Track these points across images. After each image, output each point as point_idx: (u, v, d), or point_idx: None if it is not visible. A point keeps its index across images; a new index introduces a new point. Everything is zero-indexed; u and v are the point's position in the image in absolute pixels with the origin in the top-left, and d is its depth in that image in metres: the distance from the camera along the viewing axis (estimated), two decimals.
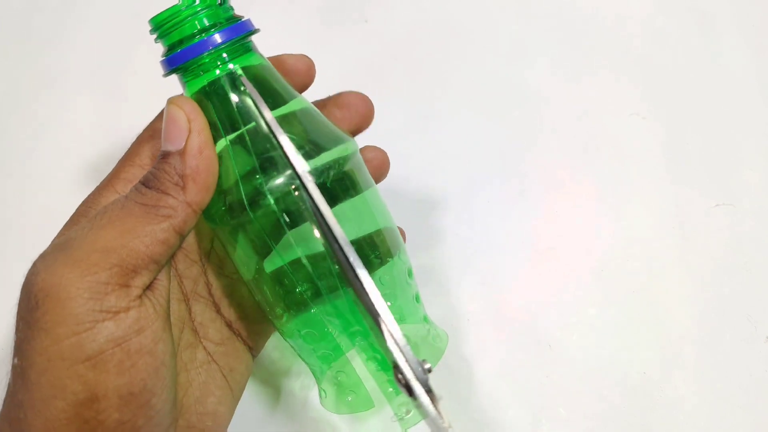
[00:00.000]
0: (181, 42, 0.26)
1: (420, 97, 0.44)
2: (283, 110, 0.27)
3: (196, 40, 0.26)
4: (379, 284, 0.25)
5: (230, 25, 0.27)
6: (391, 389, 0.27)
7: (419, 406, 0.24)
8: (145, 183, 0.25)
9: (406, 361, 0.24)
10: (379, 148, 0.33)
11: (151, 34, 0.27)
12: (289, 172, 0.26)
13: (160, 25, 0.26)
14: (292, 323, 0.28)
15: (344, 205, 0.27)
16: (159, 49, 0.27)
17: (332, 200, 0.26)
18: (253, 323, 0.31)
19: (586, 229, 0.39)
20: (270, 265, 0.27)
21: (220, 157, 0.27)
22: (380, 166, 0.33)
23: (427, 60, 0.45)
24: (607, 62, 0.44)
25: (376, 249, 0.28)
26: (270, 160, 0.26)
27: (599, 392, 0.35)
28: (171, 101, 0.26)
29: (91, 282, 0.22)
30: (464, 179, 0.41)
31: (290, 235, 0.26)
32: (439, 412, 0.24)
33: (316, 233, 0.26)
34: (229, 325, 0.30)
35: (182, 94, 0.27)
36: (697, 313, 0.37)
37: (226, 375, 0.29)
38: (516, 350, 0.36)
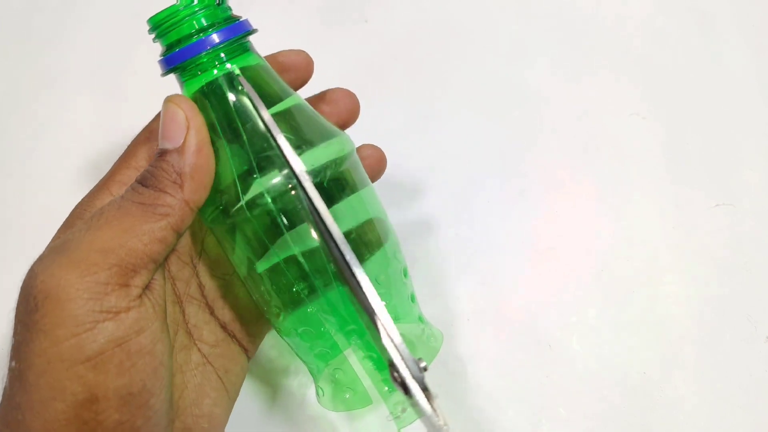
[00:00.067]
0: (179, 42, 0.26)
1: (420, 97, 0.44)
2: (281, 110, 0.27)
3: (194, 39, 0.26)
4: (375, 284, 0.25)
5: (228, 25, 0.27)
6: (386, 388, 0.27)
7: (415, 404, 0.24)
8: (142, 182, 0.25)
9: (402, 359, 0.24)
10: (376, 146, 0.33)
11: (150, 33, 0.27)
12: (286, 171, 0.26)
13: (159, 25, 0.26)
14: (289, 321, 0.28)
15: (340, 204, 0.27)
16: (159, 49, 0.27)
17: (329, 199, 0.26)
18: (247, 324, 0.31)
19: (586, 229, 0.39)
20: (267, 263, 0.27)
21: (217, 156, 0.27)
22: (377, 164, 0.33)
23: (427, 60, 0.45)
24: (607, 62, 0.44)
25: (366, 239, 0.28)
26: (267, 159, 0.26)
27: (599, 392, 0.35)
28: (169, 99, 0.26)
29: (91, 282, 0.22)
30: (464, 179, 0.41)
31: (287, 234, 0.26)
32: (434, 411, 0.24)
33: (313, 233, 0.26)
34: (223, 327, 0.30)
35: (180, 94, 0.27)
36: (697, 313, 0.37)
37: (221, 376, 0.29)
38: (516, 350, 0.36)
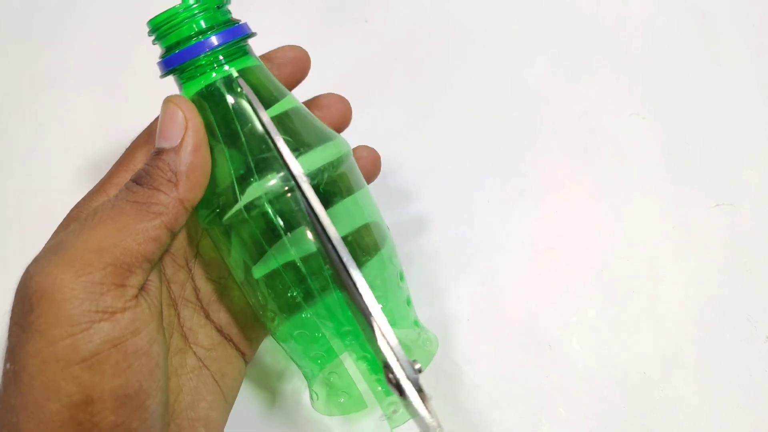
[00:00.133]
0: (178, 44, 0.26)
1: (420, 97, 0.44)
2: (279, 113, 0.27)
3: (193, 42, 0.26)
4: (371, 288, 0.25)
5: (227, 28, 0.27)
6: (380, 388, 0.27)
7: (409, 405, 0.24)
8: (137, 180, 0.25)
9: (398, 360, 0.24)
10: (371, 148, 0.33)
11: (149, 35, 0.27)
12: (284, 173, 0.26)
13: (158, 27, 0.27)
14: (284, 325, 0.28)
15: (337, 208, 0.28)
16: (159, 50, 0.27)
17: (326, 202, 0.26)
18: (244, 328, 0.31)
19: (586, 229, 0.39)
20: (263, 267, 0.27)
21: (215, 158, 0.27)
22: (372, 166, 0.33)
23: (427, 60, 0.45)
24: (607, 62, 0.44)
25: (363, 243, 0.28)
26: (266, 161, 0.26)
27: (599, 392, 0.35)
28: (169, 99, 0.26)
29: (86, 282, 0.22)
30: (464, 179, 0.41)
31: (283, 237, 0.26)
32: (429, 412, 0.24)
33: (310, 235, 0.26)
34: (219, 330, 0.30)
35: (179, 94, 0.27)
36: (697, 313, 0.37)
37: (217, 380, 0.29)
38: (516, 350, 0.36)
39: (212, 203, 0.27)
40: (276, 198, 0.26)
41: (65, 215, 0.28)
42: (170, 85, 0.28)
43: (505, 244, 0.39)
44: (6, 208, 0.42)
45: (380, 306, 0.25)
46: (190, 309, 0.30)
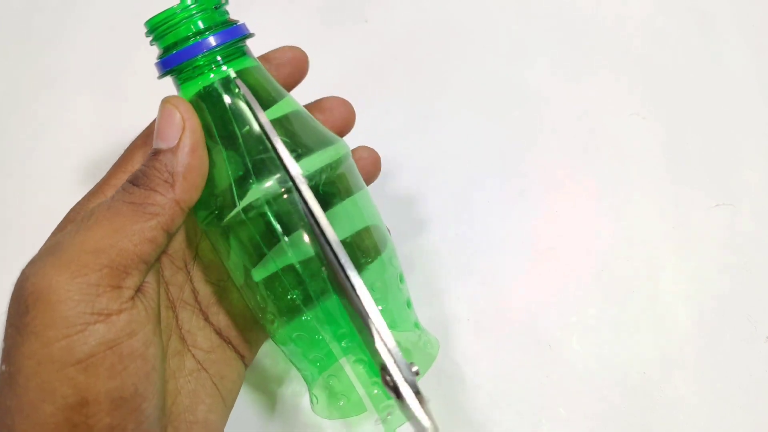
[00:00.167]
0: (175, 44, 0.26)
1: (420, 97, 0.44)
2: (277, 114, 0.27)
3: (191, 42, 0.26)
4: (371, 291, 0.25)
5: (225, 28, 0.27)
6: (376, 391, 0.27)
7: (406, 408, 0.24)
8: (134, 181, 0.25)
9: (395, 363, 0.24)
10: (371, 149, 0.33)
11: (147, 36, 0.27)
12: (283, 175, 0.26)
13: (156, 27, 0.26)
14: (284, 328, 0.28)
15: (337, 210, 0.27)
16: (158, 50, 0.27)
17: (324, 204, 0.26)
18: (243, 330, 0.31)
19: (586, 229, 0.39)
20: (262, 269, 0.27)
21: (213, 159, 0.27)
22: (372, 167, 0.33)
23: (427, 60, 0.45)
24: (607, 62, 0.44)
25: (363, 246, 0.28)
26: (264, 163, 0.26)
27: (599, 392, 0.35)
28: (166, 100, 0.26)
29: (82, 284, 0.22)
30: (464, 179, 0.41)
31: (282, 238, 0.26)
32: (426, 414, 0.24)
33: (308, 237, 0.26)
34: (218, 333, 0.30)
35: (177, 95, 0.27)
36: (697, 313, 0.37)
37: (216, 383, 0.29)
38: (516, 350, 0.36)
39: (210, 205, 0.27)
40: (274, 199, 0.26)
41: (64, 216, 0.28)
42: (170, 85, 0.28)
43: (505, 244, 0.39)
44: (6, 208, 0.42)
45: (379, 308, 0.25)
46: (189, 311, 0.29)
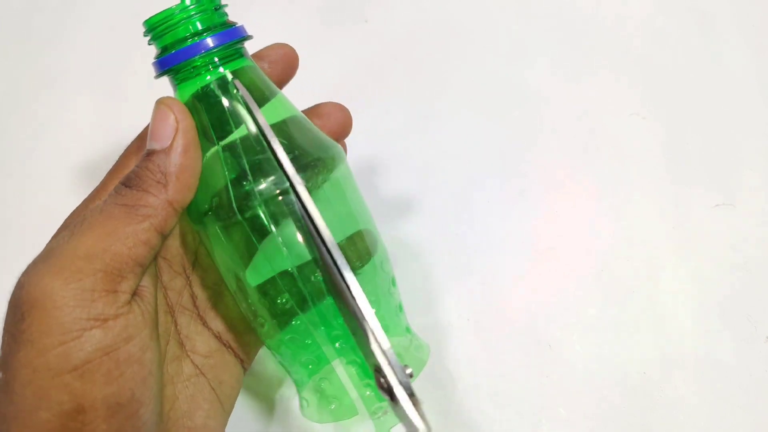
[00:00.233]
0: (173, 44, 0.26)
1: (420, 97, 0.44)
2: (275, 118, 0.27)
3: (189, 43, 0.26)
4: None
5: (224, 29, 0.27)
6: (369, 393, 0.27)
7: (400, 410, 0.24)
8: (126, 183, 0.25)
9: (389, 364, 0.24)
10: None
11: (145, 36, 0.27)
12: (279, 176, 0.26)
13: (154, 27, 0.26)
14: (276, 330, 0.28)
15: (330, 214, 0.27)
16: (156, 50, 0.27)
17: (319, 204, 0.26)
18: (241, 334, 0.31)
19: (586, 229, 0.39)
20: (254, 271, 0.27)
21: (210, 160, 0.27)
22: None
23: (427, 60, 0.45)
24: (607, 62, 0.44)
25: (355, 250, 0.28)
26: (261, 164, 0.26)
27: (599, 392, 0.35)
28: (160, 101, 0.26)
29: (77, 289, 0.22)
30: (464, 179, 0.41)
31: (276, 239, 0.26)
32: (420, 416, 0.24)
33: (303, 238, 0.26)
34: (217, 337, 0.30)
35: (171, 96, 0.27)
36: (697, 313, 0.37)
37: (215, 388, 0.29)
38: (516, 350, 0.36)
39: (206, 206, 0.27)
40: (270, 200, 0.26)
41: (68, 214, 0.28)
42: (169, 86, 0.28)
43: (505, 244, 0.39)
44: (6, 208, 0.42)
45: (373, 310, 0.25)
46: (187, 316, 0.29)
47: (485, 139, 0.42)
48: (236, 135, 0.27)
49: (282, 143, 0.26)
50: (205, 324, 0.30)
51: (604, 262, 0.38)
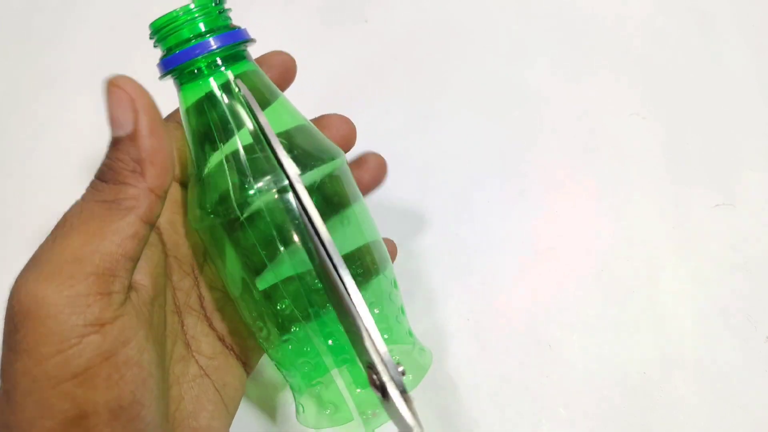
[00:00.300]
0: (177, 45, 0.27)
1: (420, 97, 0.44)
2: (277, 120, 0.28)
3: (192, 43, 0.26)
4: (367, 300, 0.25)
5: (226, 31, 0.27)
6: (358, 390, 0.27)
7: (391, 407, 0.24)
8: (101, 177, 0.24)
9: (382, 360, 0.24)
10: (378, 154, 0.33)
11: (151, 38, 0.27)
12: (281, 177, 0.26)
13: (159, 29, 0.27)
14: (275, 337, 0.28)
15: (333, 216, 0.28)
16: (160, 51, 0.28)
17: (321, 207, 0.26)
18: (245, 338, 0.30)
19: (587, 229, 0.39)
20: (258, 276, 0.27)
21: (213, 162, 0.26)
22: (378, 170, 0.33)
23: (426, 60, 0.45)
24: (607, 62, 0.44)
25: (362, 264, 0.28)
26: (260, 163, 0.26)
27: (599, 392, 0.35)
28: (111, 82, 0.24)
29: (70, 296, 0.21)
30: (464, 179, 0.41)
31: (277, 241, 0.26)
32: (413, 414, 0.23)
33: (301, 238, 0.26)
34: (221, 340, 0.30)
35: (122, 75, 0.25)
36: (698, 313, 0.37)
37: (219, 389, 0.28)
38: (516, 350, 0.36)
39: (207, 207, 0.27)
40: (269, 199, 0.26)
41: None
42: (170, 86, 0.28)
43: (505, 244, 0.39)
44: (6, 208, 0.42)
45: (376, 311, 0.25)
46: (194, 317, 0.29)
47: (485, 139, 0.42)
48: (238, 135, 0.27)
49: (282, 143, 0.26)
50: (210, 326, 0.30)
51: (604, 262, 0.38)
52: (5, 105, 0.45)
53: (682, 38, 0.45)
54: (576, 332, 0.36)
